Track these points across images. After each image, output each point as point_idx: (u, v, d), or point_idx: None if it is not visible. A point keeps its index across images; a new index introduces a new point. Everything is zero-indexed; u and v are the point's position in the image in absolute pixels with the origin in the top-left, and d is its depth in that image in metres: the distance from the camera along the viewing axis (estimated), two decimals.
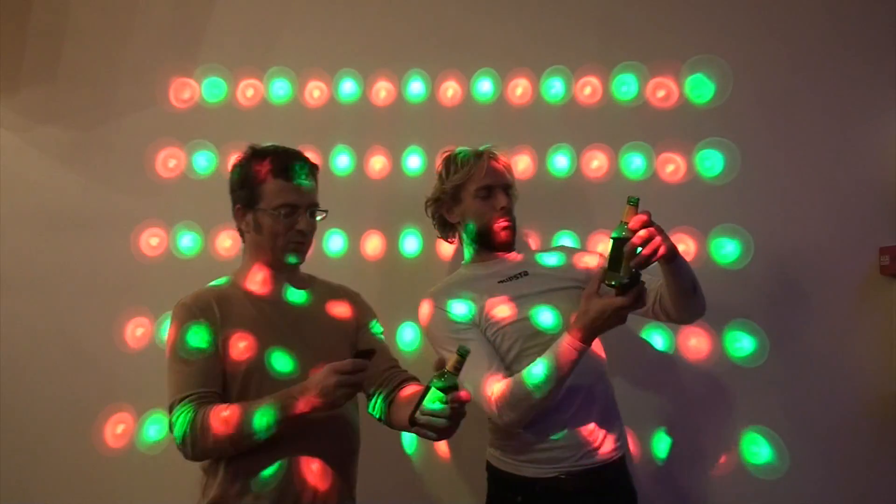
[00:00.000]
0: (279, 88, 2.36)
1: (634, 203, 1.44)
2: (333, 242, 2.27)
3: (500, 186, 1.76)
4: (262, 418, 1.40)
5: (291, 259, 1.62)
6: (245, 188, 1.60)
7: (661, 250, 1.41)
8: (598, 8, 2.30)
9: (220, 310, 1.55)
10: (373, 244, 2.28)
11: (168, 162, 2.36)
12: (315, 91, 2.36)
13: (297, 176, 1.59)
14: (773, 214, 2.16)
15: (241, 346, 1.52)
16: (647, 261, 1.41)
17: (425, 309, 1.74)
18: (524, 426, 1.61)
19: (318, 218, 1.65)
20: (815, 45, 2.22)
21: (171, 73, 2.39)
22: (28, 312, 2.31)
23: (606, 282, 1.46)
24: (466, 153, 1.79)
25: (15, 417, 2.28)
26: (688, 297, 1.64)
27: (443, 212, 1.84)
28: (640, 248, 1.40)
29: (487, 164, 1.76)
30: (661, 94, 2.25)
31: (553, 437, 1.63)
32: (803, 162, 2.18)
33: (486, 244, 1.80)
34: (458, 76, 2.32)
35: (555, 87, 2.28)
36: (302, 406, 1.40)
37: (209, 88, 2.38)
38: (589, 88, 2.28)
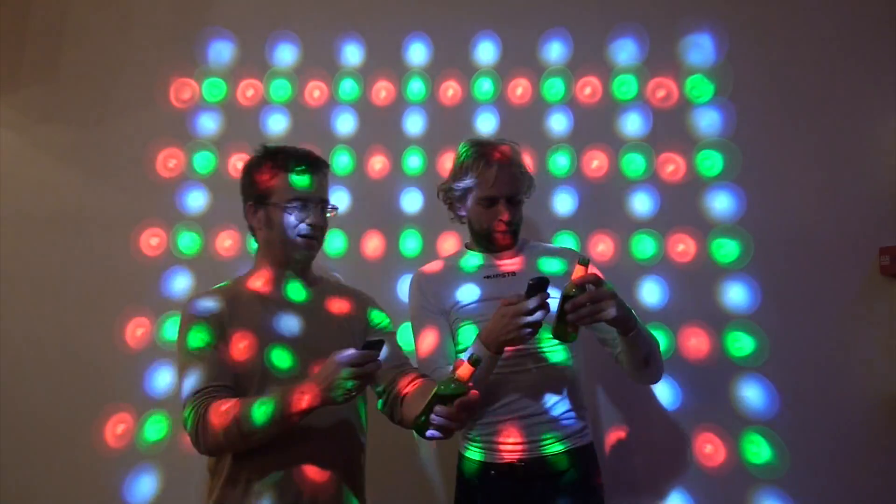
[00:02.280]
0: (279, 88, 2.36)
1: (584, 263, 1.53)
2: (333, 242, 2.28)
3: (504, 198, 1.74)
4: (261, 411, 1.38)
5: (302, 253, 1.63)
6: (256, 185, 1.62)
7: (597, 317, 1.50)
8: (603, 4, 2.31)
9: (228, 308, 1.56)
10: (373, 244, 2.28)
11: (168, 162, 2.36)
12: (315, 91, 2.36)
13: (307, 171, 1.61)
14: (773, 214, 2.16)
15: (241, 346, 1.53)
16: (583, 321, 1.50)
17: (410, 283, 1.84)
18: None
19: (329, 214, 1.67)
20: (815, 46, 2.22)
21: (171, 73, 2.39)
22: (28, 312, 2.32)
23: (554, 335, 1.57)
24: (477, 157, 1.76)
25: (15, 417, 2.28)
26: (637, 368, 1.69)
27: (452, 202, 1.85)
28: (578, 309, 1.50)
29: (495, 173, 1.73)
30: (661, 94, 2.25)
31: (501, 426, 1.67)
32: (803, 162, 2.18)
33: (485, 244, 1.81)
34: (457, 76, 2.32)
35: (555, 87, 2.28)
36: (308, 401, 1.37)
37: (209, 88, 2.38)
38: (589, 88, 2.28)
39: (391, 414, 1.65)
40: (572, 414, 1.71)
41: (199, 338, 1.51)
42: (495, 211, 1.74)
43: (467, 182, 1.75)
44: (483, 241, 1.80)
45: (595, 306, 1.49)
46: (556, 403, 1.69)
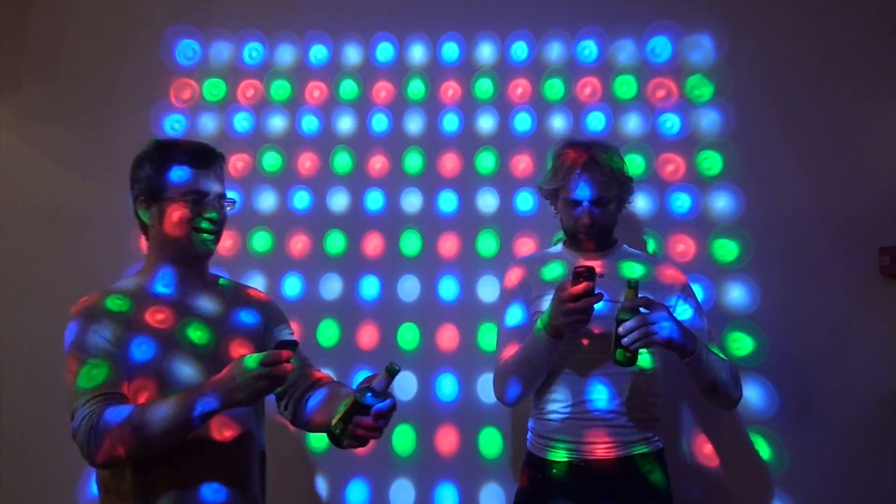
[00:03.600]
0: (279, 88, 2.36)
1: (633, 287, 1.54)
2: (334, 243, 2.28)
3: (587, 201, 1.75)
4: (159, 415, 1.29)
5: (202, 248, 1.53)
6: (149, 178, 1.52)
7: (645, 341, 1.51)
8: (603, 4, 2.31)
9: (132, 309, 1.47)
10: (372, 244, 2.28)
11: None
12: (315, 91, 2.36)
13: (203, 164, 1.54)
14: (773, 214, 2.16)
15: (141, 351, 1.44)
16: (635, 345, 1.52)
17: (507, 272, 1.89)
18: (509, 404, 1.76)
19: (229, 208, 1.59)
20: (815, 46, 2.22)
21: (171, 73, 2.39)
22: (27, 312, 2.31)
23: (613, 359, 1.56)
24: (562, 159, 1.77)
25: (15, 417, 2.28)
26: (703, 393, 1.70)
27: (547, 199, 1.87)
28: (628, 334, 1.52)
29: (580, 178, 1.73)
30: (661, 94, 2.25)
31: (562, 424, 1.70)
32: (803, 162, 2.18)
33: (573, 243, 1.85)
34: (457, 76, 2.32)
35: (555, 87, 2.28)
36: (210, 403, 1.30)
37: (209, 88, 2.38)
38: (589, 88, 2.28)
39: (293, 416, 1.58)
40: (652, 415, 1.74)
41: (97, 338, 1.43)
42: (579, 213, 1.76)
43: (555, 183, 1.78)
44: (571, 239, 1.84)
45: (645, 330, 1.50)
46: (639, 404, 1.71)
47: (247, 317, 1.59)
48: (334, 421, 1.32)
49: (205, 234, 1.52)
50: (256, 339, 1.57)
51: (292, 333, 1.66)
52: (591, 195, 1.73)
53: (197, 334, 1.50)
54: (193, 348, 1.47)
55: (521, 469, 1.80)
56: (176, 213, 1.50)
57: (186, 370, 1.45)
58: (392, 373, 1.30)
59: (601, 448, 1.67)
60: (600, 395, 1.69)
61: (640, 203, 2.20)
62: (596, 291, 1.54)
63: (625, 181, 1.80)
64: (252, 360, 1.30)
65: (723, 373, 1.65)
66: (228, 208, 1.59)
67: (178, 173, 1.51)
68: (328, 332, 2.23)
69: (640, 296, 1.54)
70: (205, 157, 1.55)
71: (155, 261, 1.55)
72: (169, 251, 1.54)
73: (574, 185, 1.73)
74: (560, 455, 1.70)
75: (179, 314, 1.50)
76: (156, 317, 1.48)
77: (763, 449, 2.08)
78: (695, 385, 1.69)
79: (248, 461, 1.51)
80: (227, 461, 1.46)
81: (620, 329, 1.51)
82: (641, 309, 1.53)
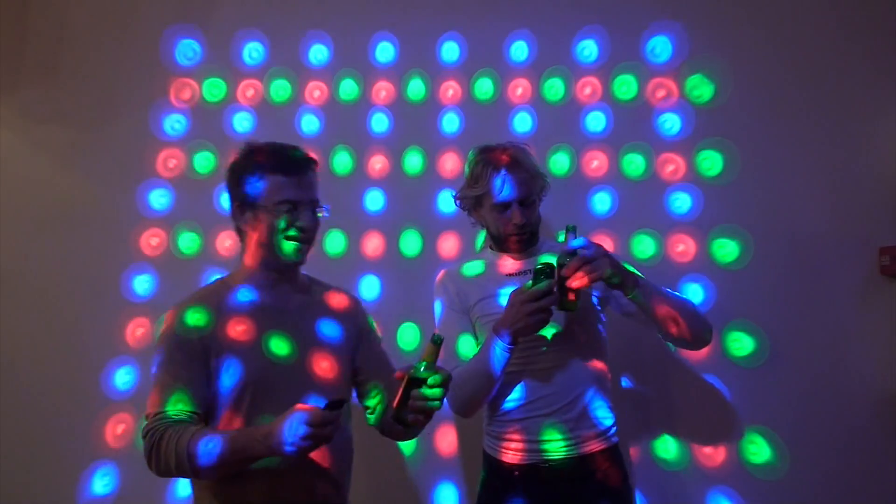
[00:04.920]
0: (279, 88, 2.37)
1: (571, 230, 1.61)
2: (334, 243, 2.27)
3: (516, 202, 1.75)
4: (213, 451, 1.36)
5: (293, 257, 1.57)
6: (244, 185, 1.55)
7: (584, 280, 1.54)
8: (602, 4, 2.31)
9: (217, 320, 1.51)
10: (373, 244, 2.28)
11: (168, 162, 2.36)
12: (315, 91, 2.36)
13: (297, 171, 1.56)
14: (773, 214, 2.16)
15: (225, 366, 1.48)
16: (580, 283, 1.56)
17: (436, 282, 1.86)
18: (463, 415, 1.73)
19: (320, 215, 1.61)
20: (815, 45, 2.22)
21: (171, 73, 2.39)
22: (28, 312, 2.31)
23: (557, 308, 1.60)
24: (485, 164, 1.77)
25: (15, 417, 2.28)
26: (668, 331, 1.67)
27: (467, 209, 1.86)
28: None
29: (506, 179, 1.74)
30: (661, 94, 2.25)
31: (526, 425, 1.69)
32: (803, 162, 2.18)
33: (504, 248, 1.83)
34: (457, 76, 2.32)
35: (555, 87, 2.28)
36: (261, 451, 1.36)
37: (209, 88, 2.38)
38: (589, 88, 2.28)
39: (382, 427, 1.66)
40: (606, 413, 1.73)
41: (177, 355, 1.47)
42: (509, 215, 1.75)
43: (478, 190, 1.76)
44: (502, 244, 1.82)
45: (587, 267, 1.54)
46: (587, 403, 1.70)
47: (329, 329, 1.62)
48: (395, 403, 1.41)
49: (294, 242, 1.55)
50: (339, 353, 1.61)
51: (380, 341, 1.74)
52: (519, 195, 1.74)
53: (280, 345, 1.53)
54: (276, 359, 1.51)
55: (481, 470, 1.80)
56: (268, 221, 1.53)
57: (269, 382, 1.49)
58: (437, 343, 1.41)
59: (556, 447, 1.67)
60: (553, 392, 1.69)
61: (640, 203, 2.20)
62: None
63: (542, 179, 1.82)
64: (298, 419, 1.32)
65: (678, 302, 1.67)
66: (320, 215, 1.61)
67: (272, 181, 1.54)
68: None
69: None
70: (297, 164, 1.57)
71: (249, 264, 1.59)
72: (260, 257, 1.58)
73: (500, 187, 1.73)
74: (516, 456, 1.70)
75: (263, 324, 1.54)
76: (237, 328, 1.51)
77: (763, 449, 2.08)
78: (656, 324, 1.67)
79: (343, 457, 1.59)
80: (323, 457, 1.50)
81: (563, 271, 1.55)
82: (579, 253, 1.56)
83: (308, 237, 1.58)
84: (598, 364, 1.75)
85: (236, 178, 1.58)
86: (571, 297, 1.57)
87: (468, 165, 1.81)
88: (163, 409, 1.43)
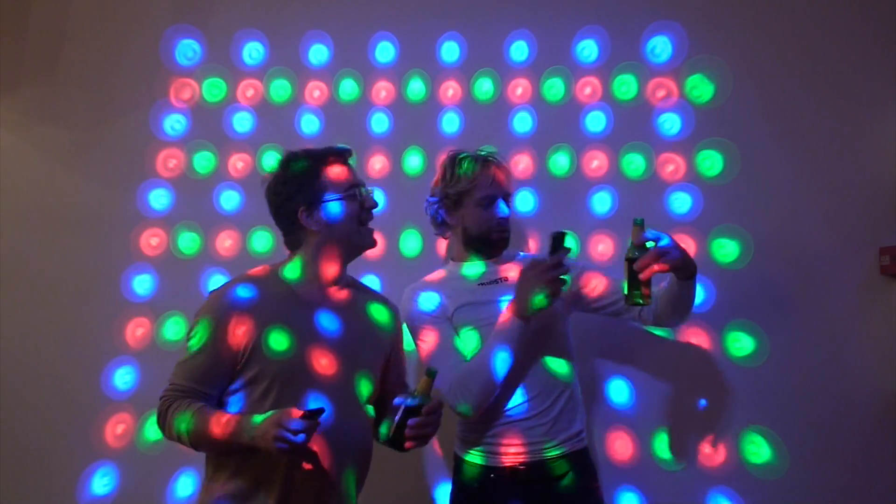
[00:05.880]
0: (279, 88, 2.37)
1: (639, 224, 1.59)
2: None
3: (502, 196, 1.78)
4: (209, 431, 1.42)
5: (369, 241, 1.64)
6: (304, 188, 1.57)
7: (655, 267, 1.54)
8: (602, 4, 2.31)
9: (262, 302, 1.54)
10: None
11: (168, 162, 2.36)
12: (315, 91, 2.36)
13: (348, 158, 1.63)
14: (773, 214, 2.16)
15: (277, 343, 1.51)
16: (654, 272, 1.55)
17: (404, 300, 1.80)
18: (477, 412, 1.66)
19: (370, 194, 1.66)
20: (815, 45, 2.22)
21: (171, 73, 2.39)
22: (28, 312, 2.32)
23: (628, 302, 1.61)
24: (471, 160, 1.79)
25: (15, 417, 2.28)
26: (682, 313, 1.76)
27: (443, 212, 1.84)
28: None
29: (492, 173, 1.77)
30: (661, 93, 2.25)
31: (502, 430, 1.69)
32: (803, 162, 2.18)
33: (480, 248, 1.82)
34: (457, 76, 2.33)
35: (555, 87, 2.28)
36: (248, 441, 1.39)
37: (209, 88, 2.39)
38: (589, 88, 2.28)
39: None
40: (571, 417, 1.73)
41: (205, 334, 1.50)
42: (495, 210, 1.76)
43: (462, 186, 1.76)
44: (481, 244, 1.81)
45: (662, 259, 1.53)
46: (556, 407, 1.70)
47: (379, 314, 1.70)
48: (391, 431, 1.49)
49: (368, 226, 1.63)
50: (385, 339, 1.69)
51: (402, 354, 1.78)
52: (504, 190, 1.78)
53: (335, 329, 1.58)
54: (333, 341, 1.56)
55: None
56: (344, 210, 1.57)
57: (324, 360, 1.54)
58: (431, 375, 1.49)
59: (513, 452, 1.68)
60: (514, 395, 1.69)
61: (641, 203, 2.20)
62: (506, 290, 1.68)
63: (511, 182, 1.87)
64: (275, 421, 1.36)
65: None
66: (370, 194, 1.66)
67: (335, 171, 1.59)
68: None
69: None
70: (344, 153, 1.63)
71: (316, 260, 1.60)
72: (332, 250, 1.60)
73: (485, 182, 1.75)
74: (476, 458, 1.72)
75: (321, 308, 1.58)
76: (297, 311, 1.56)
77: (763, 449, 2.08)
78: (677, 308, 1.71)
79: (365, 450, 1.63)
80: (347, 444, 1.55)
81: (636, 265, 1.54)
82: (647, 244, 1.57)
83: (372, 217, 1.67)
84: (565, 375, 1.75)
85: (292, 185, 1.59)
86: (646, 291, 1.57)
87: (448, 166, 1.82)
88: (178, 381, 1.50)
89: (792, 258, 2.14)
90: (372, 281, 2.24)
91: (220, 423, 1.42)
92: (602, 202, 2.22)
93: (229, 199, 2.31)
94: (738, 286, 2.13)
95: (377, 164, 2.31)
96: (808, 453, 2.06)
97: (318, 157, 1.61)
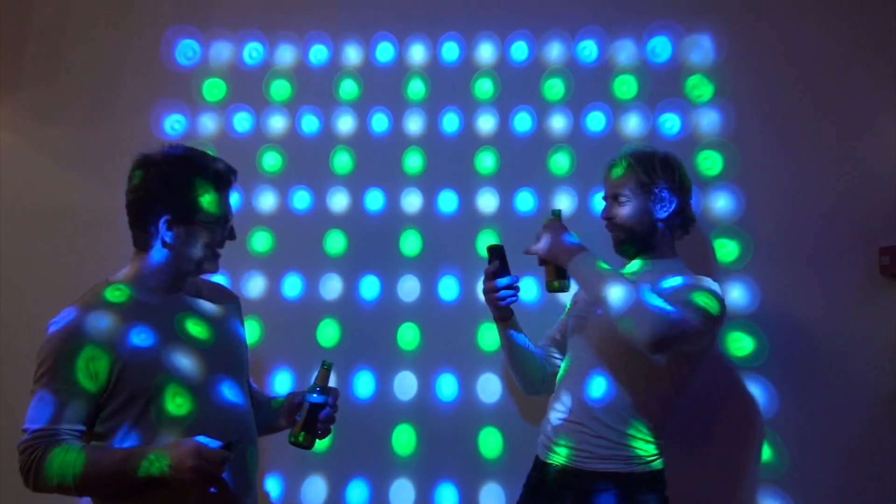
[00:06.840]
0: (279, 88, 2.37)
1: (557, 214, 1.79)
2: (334, 243, 2.28)
3: (609, 197, 1.86)
4: (103, 468, 1.35)
5: (215, 270, 1.58)
6: (179, 197, 1.48)
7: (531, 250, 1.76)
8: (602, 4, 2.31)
9: (122, 329, 1.45)
10: (372, 244, 2.27)
11: None
12: (315, 91, 2.36)
13: (227, 186, 1.56)
14: (773, 214, 2.16)
15: (147, 362, 1.44)
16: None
17: None
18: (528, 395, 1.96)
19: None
20: (815, 45, 2.22)
21: (171, 73, 2.39)
22: (28, 312, 2.31)
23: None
24: (612, 160, 1.89)
25: (15, 418, 2.27)
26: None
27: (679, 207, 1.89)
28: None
29: (607, 175, 1.88)
30: (661, 94, 2.25)
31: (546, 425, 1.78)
32: (803, 162, 2.18)
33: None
34: (457, 76, 2.32)
35: (555, 87, 2.28)
36: (158, 473, 1.33)
37: (209, 88, 2.38)
38: (589, 88, 2.28)
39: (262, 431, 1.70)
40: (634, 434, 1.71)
41: (74, 366, 1.42)
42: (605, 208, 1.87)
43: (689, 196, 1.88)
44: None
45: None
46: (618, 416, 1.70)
47: (223, 308, 1.66)
48: (297, 431, 1.53)
49: (216, 260, 1.58)
50: (232, 328, 1.65)
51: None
52: (609, 190, 1.89)
53: (201, 334, 1.54)
54: (199, 349, 1.51)
55: None
56: (202, 238, 1.52)
57: (192, 368, 1.48)
58: (327, 367, 1.56)
59: (559, 454, 1.69)
60: (563, 399, 1.75)
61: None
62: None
63: (646, 180, 1.85)
64: (193, 452, 1.31)
65: (613, 292, 1.53)
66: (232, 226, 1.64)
67: (208, 199, 1.51)
68: (328, 332, 2.23)
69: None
70: (227, 179, 1.56)
71: (162, 271, 1.54)
72: (180, 266, 1.53)
73: (605, 181, 1.91)
74: (549, 457, 1.74)
75: (181, 323, 1.53)
76: (161, 330, 1.50)
77: (763, 449, 2.08)
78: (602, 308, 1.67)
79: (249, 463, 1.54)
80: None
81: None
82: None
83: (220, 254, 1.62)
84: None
85: (168, 187, 1.50)
86: (550, 278, 1.75)
87: (675, 166, 1.85)
88: (46, 426, 1.44)
89: (792, 258, 2.14)
90: (372, 281, 2.24)
91: (114, 459, 1.36)
92: (602, 202, 2.22)
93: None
94: (738, 286, 2.13)
95: (377, 164, 2.31)
96: (808, 453, 2.05)
97: (205, 169, 1.52)
